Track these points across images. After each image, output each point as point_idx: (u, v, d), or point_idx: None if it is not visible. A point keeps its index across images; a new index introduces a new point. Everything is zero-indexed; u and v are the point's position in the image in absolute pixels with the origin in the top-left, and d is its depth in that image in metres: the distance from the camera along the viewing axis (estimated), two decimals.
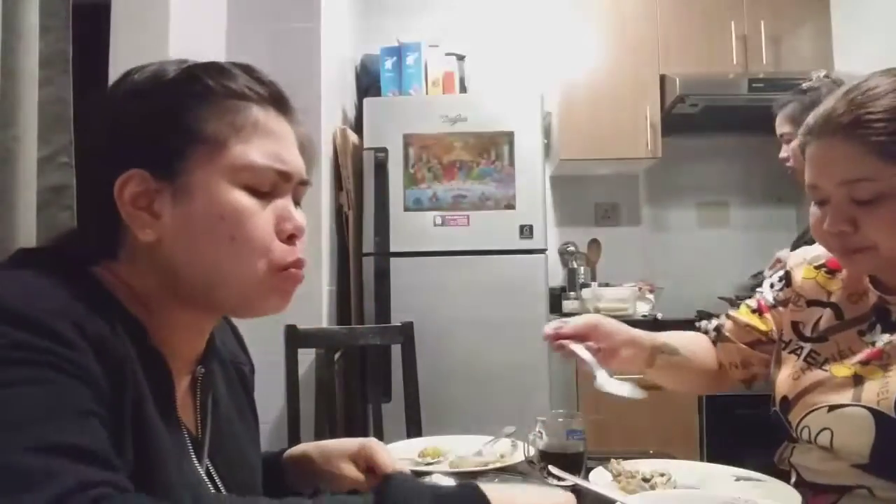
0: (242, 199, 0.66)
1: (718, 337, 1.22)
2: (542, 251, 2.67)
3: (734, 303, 3.01)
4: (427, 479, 0.98)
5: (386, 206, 2.65)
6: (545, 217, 2.70)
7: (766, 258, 2.81)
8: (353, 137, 2.79)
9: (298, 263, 0.69)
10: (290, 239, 0.69)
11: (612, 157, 3.14)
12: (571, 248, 3.38)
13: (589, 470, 1.04)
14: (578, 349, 1.02)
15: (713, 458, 1.16)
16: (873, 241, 0.88)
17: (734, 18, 3.07)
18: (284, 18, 2.44)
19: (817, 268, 1.08)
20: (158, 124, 0.65)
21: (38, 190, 1.08)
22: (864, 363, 0.94)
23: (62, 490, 0.47)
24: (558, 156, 3.17)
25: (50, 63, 1.10)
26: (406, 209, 2.67)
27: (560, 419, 1.08)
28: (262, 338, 2.18)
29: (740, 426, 2.14)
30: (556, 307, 3.16)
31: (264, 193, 0.67)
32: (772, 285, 1.17)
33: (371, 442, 0.91)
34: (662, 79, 3.09)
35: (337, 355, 2.23)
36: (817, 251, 1.09)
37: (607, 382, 1.01)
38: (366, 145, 2.69)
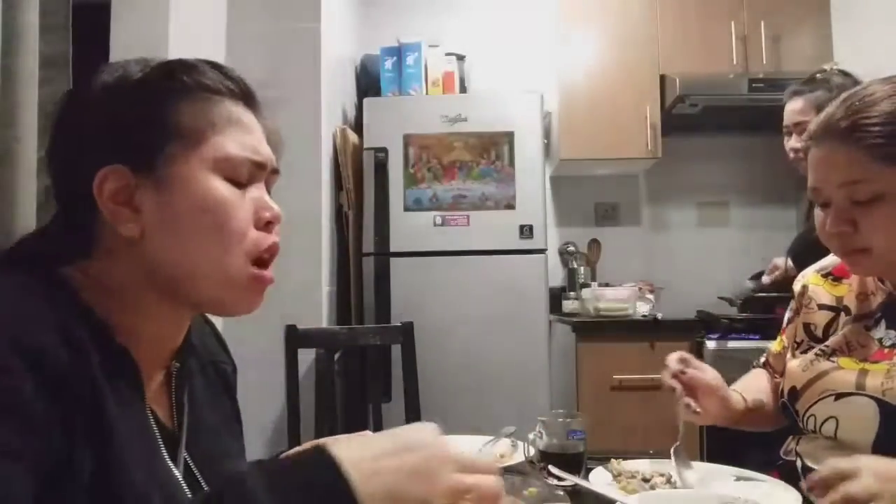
0: (222, 188, 0.67)
1: (764, 368, 1.25)
2: (542, 251, 2.67)
3: (734, 303, 3.03)
4: None
5: (386, 205, 2.65)
6: (545, 217, 2.70)
7: (766, 258, 2.82)
8: (353, 137, 2.79)
9: (273, 248, 0.71)
10: (267, 226, 0.71)
11: (612, 157, 3.14)
12: (571, 248, 3.38)
13: (589, 470, 1.04)
14: (682, 406, 1.05)
15: (713, 458, 1.16)
16: (871, 241, 0.90)
17: (734, 18, 3.07)
18: (284, 18, 2.44)
19: (824, 276, 1.12)
20: (136, 119, 0.66)
21: (38, 190, 1.08)
22: (875, 361, 0.96)
23: None
24: (558, 156, 3.17)
25: (50, 63, 1.11)
26: (406, 209, 2.67)
27: (560, 419, 1.08)
28: (262, 338, 2.19)
29: None
30: (556, 307, 3.17)
31: (241, 184, 0.69)
32: (789, 319, 1.19)
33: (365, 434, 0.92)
34: (662, 79, 3.09)
35: (337, 355, 2.23)
36: (823, 263, 1.14)
37: (681, 459, 1.02)
38: (366, 145, 2.69)
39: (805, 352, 1.07)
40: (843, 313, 1.06)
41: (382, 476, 0.55)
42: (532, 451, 1.08)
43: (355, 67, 3.18)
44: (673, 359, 1.10)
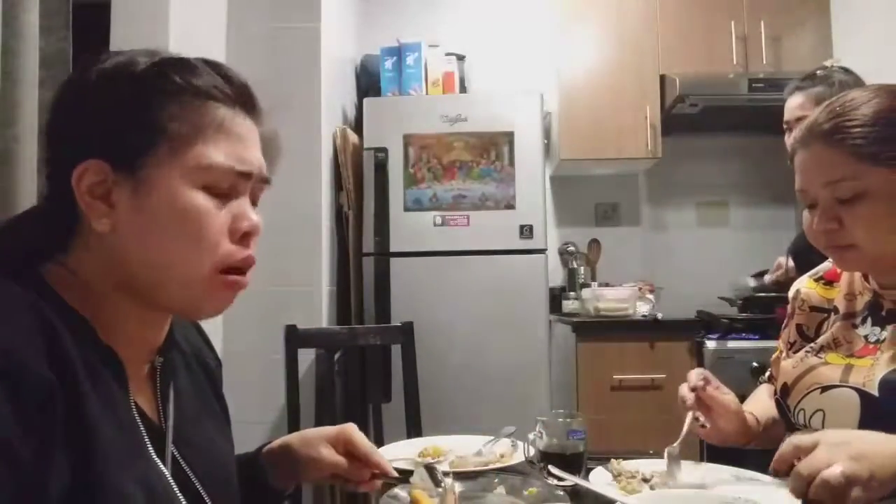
0: (199, 199, 0.66)
1: (769, 382, 1.27)
2: (542, 251, 2.67)
3: (734, 302, 3.03)
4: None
5: (386, 206, 2.65)
6: (545, 217, 2.70)
7: (766, 258, 2.82)
8: (353, 137, 2.79)
9: (247, 262, 0.70)
10: (243, 238, 0.70)
11: (612, 157, 3.14)
12: (571, 248, 3.38)
13: (589, 470, 1.04)
14: (688, 419, 1.08)
15: (713, 458, 1.17)
16: (855, 238, 0.95)
17: (734, 18, 3.08)
18: (284, 18, 2.44)
19: (816, 280, 1.17)
20: (124, 117, 0.66)
21: (38, 190, 1.08)
22: (859, 357, 1.01)
23: None
24: (558, 156, 3.17)
25: (50, 63, 1.11)
26: (406, 209, 2.67)
27: (560, 419, 1.08)
28: (262, 338, 2.19)
29: None
30: (556, 307, 3.17)
31: (222, 193, 0.68)
32: (784, 325, 1.22)
33: (348, 427, 0.93)
34: (662, 79, 3.09)
35: (337, 355, 2.23)
36: (816, 269, 1.18)
37: (673, 459, 1.02)
38: (366, 145, 2.69)
39: (797, 352, 1.11)
40: (832, 314, 1.11)
41: None
42: (532, 451, 1.08)
43: (355, 67, 3.18)
44: (694, 374, 1.13)
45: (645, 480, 1.01)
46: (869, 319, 1.03)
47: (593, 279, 3.30)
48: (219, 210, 0.68)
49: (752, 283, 2.92)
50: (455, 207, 2.66)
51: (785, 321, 1.21)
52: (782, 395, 1.08)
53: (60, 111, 0.69)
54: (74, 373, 0.59)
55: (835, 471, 0.73)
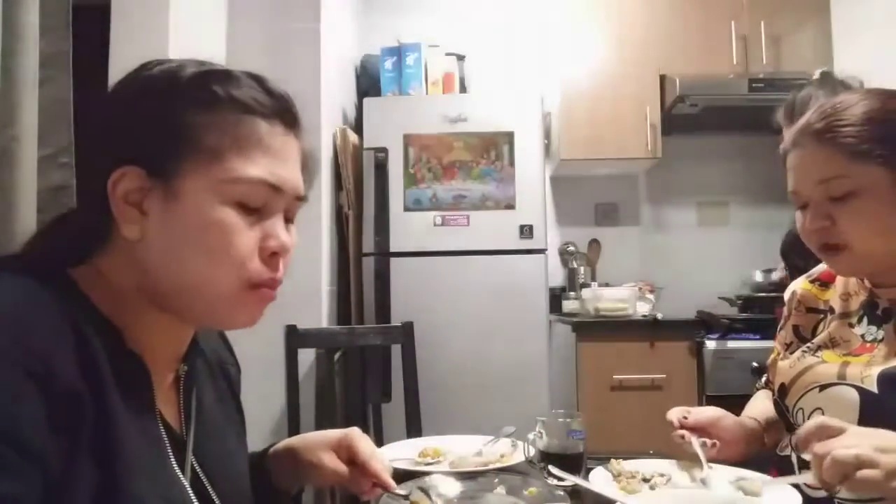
0: (229, 214, 0.65)
1: (766, 387, 1.27)
2: (542, 251, 2.67)
3: (734, 303, 3.03)
4: (427, 479, 0.97)
5: (386, 206, 2.65)
6: (545, 217, 2.70)
7: (766, 258, 2.82)
8: (353, 137, 2.79)
9: (274, 282, 0.69)
10: (272, 257, 0.68)
11: (612, 157, 3.14)
12: (571, 248, 3.38)
13: (589, 470, 1.04)
14: (696, 444, 1.07)
15: (713, 457, 1.17)
16: (847, 236, 0.96)
17: (734, 18, 3.08)
18: (284, 18, 2.44)
19: (812, 281, 1.17)
20: (160, 126, 0.65)
21: (38, 190, 1.08)
22: (857, 355, 1.01)
23: None
24: (558, 156, 3.17)
25: (50, 63, 1.11)
26: (406, 209, 2.67)
27: (560, 419, 1.08)
28: (262, 338, 2.18)
29: None
30: (556, 307, 3.17)
31: (255, 209, 0.67)
32: (780, 326, 1.22)
33: (352, 432, 0.91)
34: (662, 79, 3.09)
35: (337, 355, 2.23)
36: (811, 272, 1.19)
37: (711, 480, 1.02)
38: (366, 145, 2.69)
39: (794, 352, 1.11)
40: (828, 314, 1.11)
41: None
42: (532, 451, 1.08)
43: (355, 67, 3.18)
44: (672, 413, 1.13)
45: (645, 480, 1.01)
46: (865, 318, 1.04)
47: (593, 279, 3.30)
48: (249, 227, 0.66)
49: (759, 278, 2.93)
50: (455, 207, 2.66)
51: (781, 322, 1.21)
52: (780, 396, 1.08)
53: (102, 117, 0.69)
54: (102, 381, 0.59)
55: (849, 452, 0.72)
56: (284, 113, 0.70)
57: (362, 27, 3.36)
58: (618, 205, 3.50)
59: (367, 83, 3.05)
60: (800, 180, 1.01)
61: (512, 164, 2.67)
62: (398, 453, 1.19)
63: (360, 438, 0.90)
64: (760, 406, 1.22)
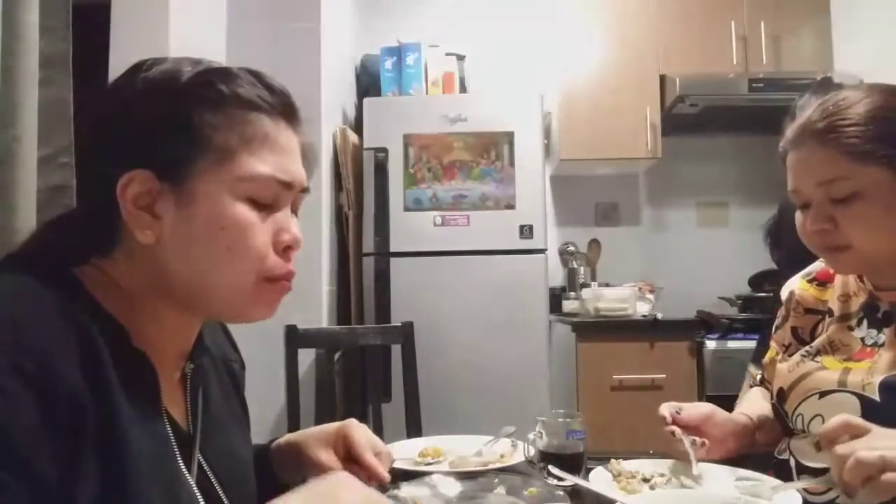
0: (244, 211, 0.66)
1: (762, 385, 1.26)
2: (542, 251, 2.67)
3: (734, 302, 3.03)
4: (427, 480, 0.98)
5: (386, 206, 2.65)
6: (545, 217, 2.70)
7: (766, 258, 2.81)
8: (353, 137, 2.79)
9: (289, 276, 0.70)
10: (285, 251, 0.69)
11: (612, 157, 3.15)
12: (571, 248, 3.38)
13: (589, 470, 1.04)
14: (687, 442, 1.06)
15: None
16: (850, 238, 0.94)
17: (734, 18, 3.08)
18: (284, 18, 2.44)
19: (809, 281, 1.15)
20: (169, 127, 0.65)
21: (38, 190, 1.08)
22: (857, 360, 0.99)
23: None
24: (558, 156, 3.17)
25: (50, 63, 1.10)
26: (406, 209, 2.67)
27: (560, 419, 1.08)
28: (262, 338, 2.18)
29: None
30: (556, 307, 3.17)
31: (265, 205, 0.68)
32: (777, 326, 1.20)
33: (348, 424, 0.92)
34: (662, 79, 3.09)
35: (337, 355, 2.23)
36: (808, 270, 1.17)
37: (704, 478, 1.02)
38: (366, 145, 2.69)
39: (793, 355, 1.09)
40: (827, 316, 1.09)
41: None
42: (532, 451, 1.08)
43: (355, 67, 3.19)
44: (664, 407, 1.12)
45: (645, 480, 1.01)
46: (865, 321, 1.02)
47: (593, 279, 3.30)
48: (263, 222, 0.67)
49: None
50: (455, 207, 2.66)
51: (778, 321, 1.19)
52: (779, 400, 1.06)
53: (104, 119, 0.68)
54: (107, 381, 0.58)
55: (874, 453, 0.71)
56: (286, 108, 0.70)
57: (362, 27, 3.36)
58: (618, 205, 3.50)
59: (367, 83, 3.05)
60: (800, 180, 0.99)
61: (512, 163, 2.67)
62: (398, 453, 1.19)
63: (356, 430, 0.92)
64: (756, 403, 1.21)
